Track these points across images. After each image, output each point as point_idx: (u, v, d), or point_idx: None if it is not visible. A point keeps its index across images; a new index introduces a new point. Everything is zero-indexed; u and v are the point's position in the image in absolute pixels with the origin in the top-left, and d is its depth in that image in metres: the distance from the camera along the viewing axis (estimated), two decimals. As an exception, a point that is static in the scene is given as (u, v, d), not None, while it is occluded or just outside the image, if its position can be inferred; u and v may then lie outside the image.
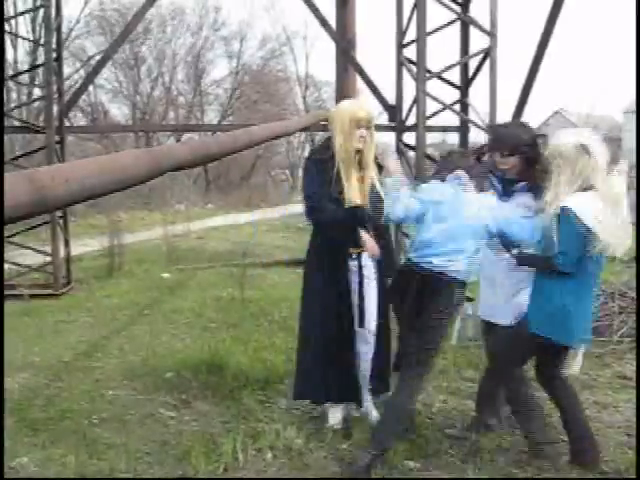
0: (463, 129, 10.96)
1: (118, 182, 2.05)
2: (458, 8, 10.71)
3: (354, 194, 4.33)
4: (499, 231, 3.92)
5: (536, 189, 4.05)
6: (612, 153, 3.87)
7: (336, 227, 4.31)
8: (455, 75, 11.02)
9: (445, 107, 10.51)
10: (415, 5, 10.32)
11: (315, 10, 11.37)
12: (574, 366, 4.02)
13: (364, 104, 4.59)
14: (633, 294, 7.77)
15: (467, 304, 4.59)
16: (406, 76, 10.66)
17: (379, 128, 14.75)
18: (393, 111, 10.92)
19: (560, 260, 3.66)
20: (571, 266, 3.67)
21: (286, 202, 31.21)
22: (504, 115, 11.04)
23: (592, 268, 3.77)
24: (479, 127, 10.48)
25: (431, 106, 10.41)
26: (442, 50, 11.73)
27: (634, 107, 50.34)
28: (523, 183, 4.19)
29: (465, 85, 10.94)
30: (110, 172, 1.99)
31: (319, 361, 4.40)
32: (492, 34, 10.38)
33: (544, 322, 3.78)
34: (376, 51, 41.58)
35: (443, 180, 4.04)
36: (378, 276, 4.46)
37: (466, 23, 10.81)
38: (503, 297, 4.26)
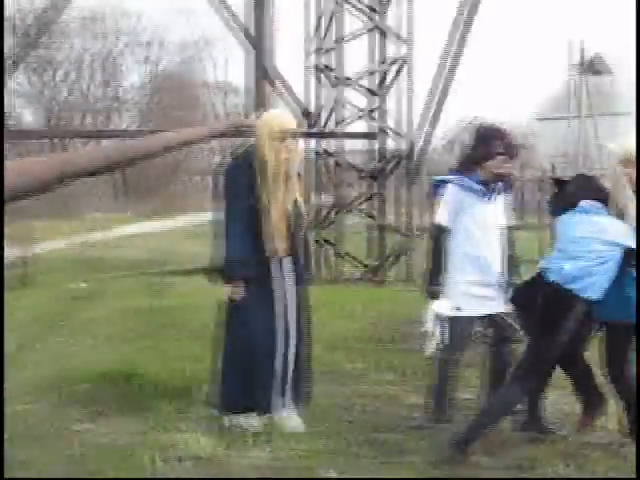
0: (381, 135, 11.12)
1: (28, 188, 1.99)
2: (375, 16, 10.88)
3: (280, 205, 4.32)
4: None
5: (508, 186, 4.53)
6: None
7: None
8: (370, 82, 11.17)
9: (363, 114, 10.66)
10: (333, 13, 10.44)
11: (233, 16, 11.35)
12: None
13: (289, 114, 4.64)
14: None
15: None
16: (323, 83, 10.75)
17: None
18: (310, 118, 10.98)
19: None
20: None
21: (206, 209, 30.88)
22: (420, 122, 11.22)
23: None
24: (396, 133, 10.67)
25: (348, 113, 10.54)
26: (356, 57, 11.87)
27: (546, 114, 52.11)
28: (502, 183, 4.50)
29: (382, 92, 11.10)
30: (19, 177, 1.93)
31: (248, 371, 4.39)
32: (409, 42, 10.59)
33: None
34: (292, 57, 41.73)
35: (574, 206, 4.06)
36: (295, 282, 4.48)
37: (383, 31, 10.99)
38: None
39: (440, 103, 10.47)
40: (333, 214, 10.54)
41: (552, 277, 3.96)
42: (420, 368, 5.94)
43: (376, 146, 11.17)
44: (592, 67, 45.97)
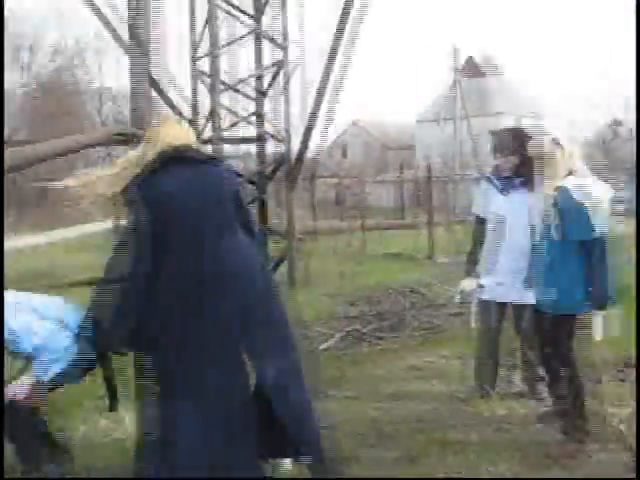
0: (261, 140, 11.16)
1: None
2: (251, 22, 10.90)
3: None
4: None
5: (528, 183, 4.55)
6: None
7: None
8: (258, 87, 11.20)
9: (240, 119, 10.68)
10: (208, 18, 10.38)
11: (106, 22, 11.08)
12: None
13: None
14: (424, 290, 8.32)
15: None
16: (201, 88, 10.68)
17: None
18: (189, 124, 10.84)
19: None
20: None
21: (86, 221, 29.86)
22: (301, 126, 11.27)
23: None
24: (275, 138, 10.74)
25: (230, 119, 10.53)
26: (238, 62, 11.83)
27: (426, 116, 53.63)
28: (519, 179, 4.71)
29: (260, 97, 11.14)
30: None
31: None
32: (284, 47, 10.69)
33: None
34: (170, 63, 41.22)
35: None
36: None
37: (259, 36, 11.03)
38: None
39: (317, 106, 10.61)
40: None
41: None
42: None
43: (253, 150, 11.20)
44: (466, 70, 47.78)
